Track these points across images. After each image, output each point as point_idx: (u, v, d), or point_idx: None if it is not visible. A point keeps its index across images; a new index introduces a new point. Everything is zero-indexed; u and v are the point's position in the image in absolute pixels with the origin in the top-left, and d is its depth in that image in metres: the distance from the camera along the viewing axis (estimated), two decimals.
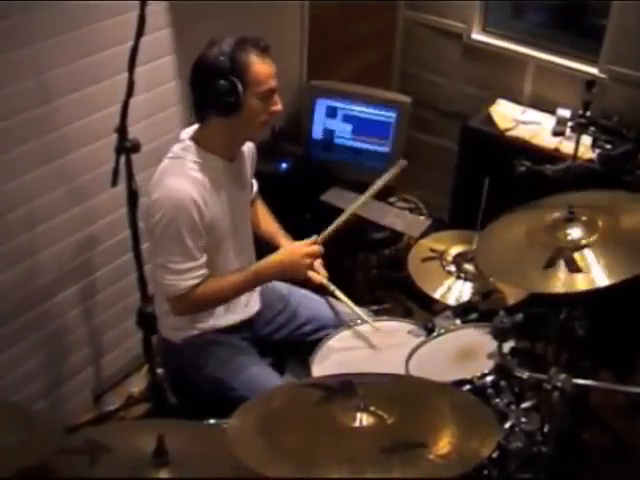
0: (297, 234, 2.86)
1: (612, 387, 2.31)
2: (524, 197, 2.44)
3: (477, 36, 3.89)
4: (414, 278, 2.64)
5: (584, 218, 2.22)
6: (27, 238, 2.72)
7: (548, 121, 3.58)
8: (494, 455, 2.01)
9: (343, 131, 3.62)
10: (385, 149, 3.59)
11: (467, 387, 2.12)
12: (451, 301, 2.57)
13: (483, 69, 3.92)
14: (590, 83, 2.94)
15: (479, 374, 2.14)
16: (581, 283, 2.06)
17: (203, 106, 2.32)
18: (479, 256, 2.44)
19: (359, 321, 2.60)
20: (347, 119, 3.60)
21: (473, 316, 2.51)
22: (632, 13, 3.34)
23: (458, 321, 2.51)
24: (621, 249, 2.13)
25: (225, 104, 2.25)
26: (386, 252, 3.63)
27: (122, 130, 2.10)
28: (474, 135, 3.68)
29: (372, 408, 1.66)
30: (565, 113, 3.35)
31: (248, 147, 2.56)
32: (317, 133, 3.65)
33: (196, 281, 2.33)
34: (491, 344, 2.18)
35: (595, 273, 2.07)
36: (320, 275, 2.51)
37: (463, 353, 2.35)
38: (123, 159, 2.12)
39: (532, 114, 3.71)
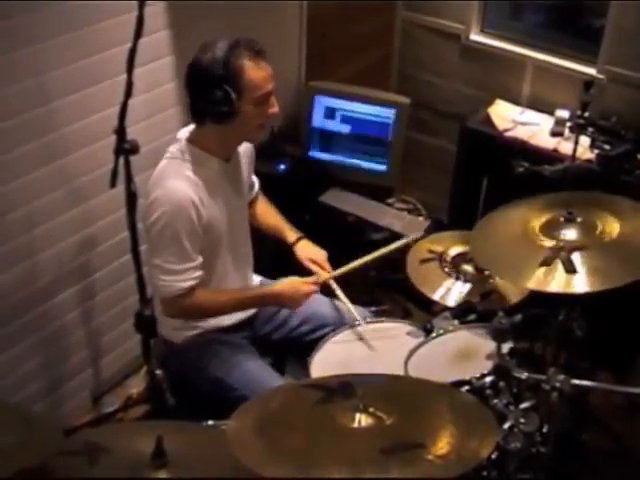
0: None
1: (611, 388, 2.31)
2: (523, 198, 2.44)
3: (475, 37, 3.89)
4: (413, 279, 2.64)
5: (580, 219, 2.22)
6: (26, 239, 2.72)
7: (547, 122, 3.58)
8: (493, 456, 2.02)
9: (341, 132, 3.62)
10: (383, 150, 3.60)
11: (466, 388, 2.12)
12: (450, 302, 2.57)
13: (481, 70, 3.92)
14: (588, 84, 2.94)
15: (478, 375, 2.15)
16: (576, 285, 2.05)
17: (198, 111, 2.32)
18: (475, 248, 2.43)
19: (357, 322, 2.61)
20: (345, 120, 3.60)
21: (472, 317, 2.52)
22: (630, 14, 3.34)
23: (457, 322, 2.51)
24: (616, 255, 2.13)
25: (219, 113, 2.26)
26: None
27: (121, 131, 2.10)
28: (473, 136, 3.68)
29: (371, 409, 1.66)
30: (564, 114, 3.35)
31: (245, 146, 2.55)
32: (315, 134, 3.65)
33: (191, 283, 2.34)
34: (490, 345, 2.18)
35: (588, 276, 2.06)
36: (326, 273, 2.62)
37: (462, 354, 2.35)
38: (122, 160, 2.12)
39: (530, 115, 3.72)
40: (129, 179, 2.13)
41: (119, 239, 2.95)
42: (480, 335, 2.37)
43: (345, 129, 3.61)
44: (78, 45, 2.66)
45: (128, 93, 2.07)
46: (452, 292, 2.57)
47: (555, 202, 2.34)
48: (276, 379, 2.47)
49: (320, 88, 3.62)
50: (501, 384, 2.12)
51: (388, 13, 4.08)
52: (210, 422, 2.13)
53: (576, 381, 1.95)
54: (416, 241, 2.74)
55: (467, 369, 2.20)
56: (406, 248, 2.72)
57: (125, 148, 2.10)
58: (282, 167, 3.51)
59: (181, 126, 2.51)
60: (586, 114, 2.96)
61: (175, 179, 2.29)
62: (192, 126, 2.40)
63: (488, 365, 2.17)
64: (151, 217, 2.28)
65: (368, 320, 2.65)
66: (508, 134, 3.58)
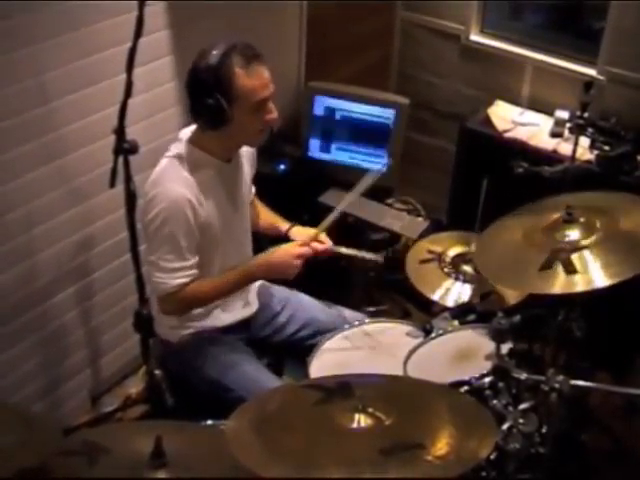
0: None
1: (610, 388, 2.31)
2: (522, 198, 2.44)
3: (475, 37, 3.89)
4: (412, 280, 2.64)
5: (582, 219, 2.22)
6: (26, 239, 2.72)
7: (546, 122, 3.58)
8: (492, 456, 2.02)
9: (341, 132, 3.62)
10: (383, 150, 3.60)
11: (465, 388, 2.12)
12: (449, 303, 2.57)
13: (481, 70, 3.92)
14: (588, 84, 2.94)
15: (477, 375, 2.15)
16: (577, 284, 2.05)
17: (195, 116, 2.33)
18: (478, 259, 2.44)
19: (356, 322, 2.61)
20: (345, 120, 3.60)
21: (471, 317, 2.52)
22: (630, 14, 3.34)
23: (456, 322, 2.51)
24: (619, 251, 2.13)
25: (212, 120, 2.26)
26: (384, 253, 3.63)
27: (120, 131, 2.10)
28: (472, 136, 3.69)
29: (370, 409, 1.66)
30: (563, 114, 3.35)
31: (248, 148, 2.55)
32: (315, 134, 3.65)
33: (186, 280, 2.34)
34: (489, 345, 2.18)
35: (592, 275, 2.06)
36: (325, 244, 2.52)
37: (461, 354, 2.35)
38: (121, 160, 2.12)
39: (530, 115, 3.72)
40: (128, 179, 2.13)
41: (118, 239, 2.95)
42: (479, 335, 2.37)
43: (345, 129, 3.61)
44: (78, 45, 2.66)
45: (128, 93, 2.07)
46: (451, 292, 2.57)
47: (555, 205, 2.35)
48: (273, 380, 2.47)
49: (320, 88, 3.62)
50: (500, 385, 2.12)
51: (388, 13, 4.08)
52: (209, 422, 2.13)
53: (575, 382, 1.95)
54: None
55: (466, 369, 2.20)
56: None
57: (124, 148, 2.11)
58: (281, 167, 3.51)
59: (181, 126, 2.51)
60: (586, 115, 2.96)
61: (173, 179, 2.30)
62: (194, 126, 2.40)
63: (487, 366, 2.17)
64: (149, 214, 2.28)
65: (367, 320, 2.65)
66: (508, 135, 3.58)
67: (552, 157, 3.33)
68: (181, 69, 2.93)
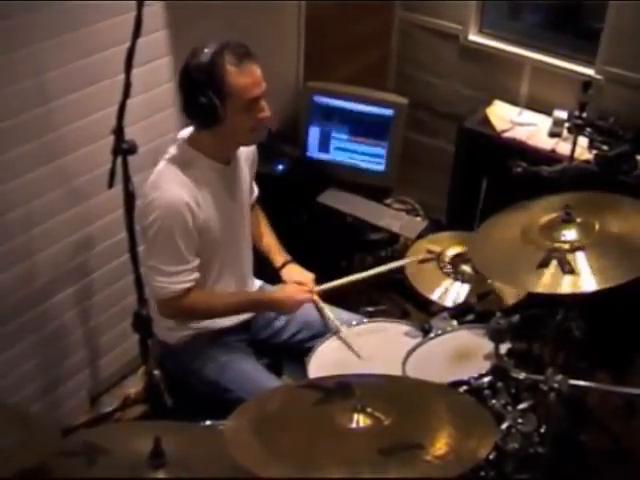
0: (294, 235, 2.87)
1: (609, 388, 2.31)
2: (521, 198, 2.44)
3: (473, 37, 3.89)
4: (411, 280, 2.64)
5: (579, 220, 2.22)
6: (25, 239, 2.71)
7: (545, 122, 3.58)
8: (491, 456, 2.02)
9: (340, 132, 3.62)
10: (382, 150, 3.60)
11: (464, 388, 2.12)
12: (448, 302, 2.57)
13: (479, 70, 3.92)
14: (586, 84, 2.94)
15: (476, 375, 2.15)
16: (574, 285, 2.04)
17: (188, 116, 2.33)
18: (473, 252, 2.43)
19: (354, 322, 2.61)
20: (344, 120, 3.60)
21: (470, 317, 2.52)
22: (628, 14, 3.35)
23: (455, 322, 2.51)
24: (615, 253, 2.12)
25: (204, 119, 2.27)
26: (383, 253, 3.63)
27: (119, 131, 2.10)
28: (471, 136, 3.69)
29: (369, 409, 1.66)
30: (562, 114, 3.35)
31: (248, 150, 2.55)
32: (314, 134, 3.65)
33: (186, 285, 2.34)
34: (488, 345, 2.18)
35: (587, 276, 2.05)
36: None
37: (460, 354, 2.35)
38: (120, 160, 2.12)
39: (529, 115, 3.72)
40: (127, 179, 2.13)
41: (117, 239, 2.95)
42: (478, 335, 2.37)
43: (343, 129, 3.61)
44: (77, 45, 2.66)
45: (126, 93, 2.07)
46: (450, 292, 2.57)
47: (553, 204, 2.34)
48: (272, 381, 2.47)
49: (318, 88, 3.62)
50: (499, 384, 2.12)
51: (386, 13, 4.08)
52: (208, 422, 2.13)
53: (574, 381, 1.96)
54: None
55: (465, 369, 2.20)
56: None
57: (123, 148, 2.11)
58: (280, 167, 3.51)
59: (179, 126, 2.51)
60: (584, 115, 2.96)
61: (171, 181, 2.30)
62: (192, 128, 2.40)
63: (486, 365, 2.17)
64: (148, 218, 2.28)
65: (365, 320, 2.65)
66: (506, 134, 3.58)
67: (551, 157, 3.33)
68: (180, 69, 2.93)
